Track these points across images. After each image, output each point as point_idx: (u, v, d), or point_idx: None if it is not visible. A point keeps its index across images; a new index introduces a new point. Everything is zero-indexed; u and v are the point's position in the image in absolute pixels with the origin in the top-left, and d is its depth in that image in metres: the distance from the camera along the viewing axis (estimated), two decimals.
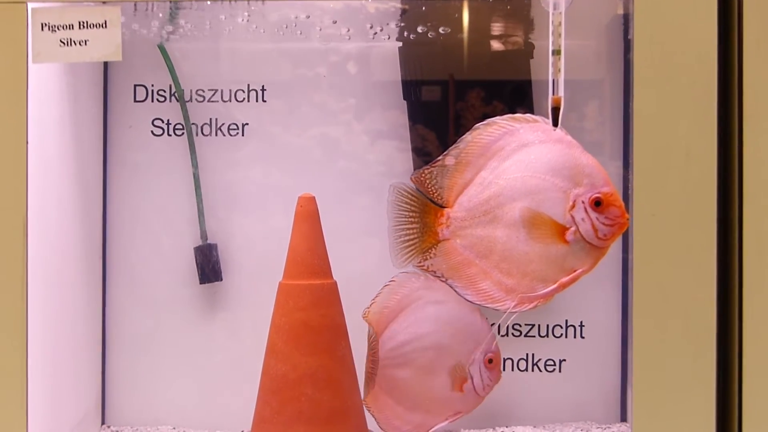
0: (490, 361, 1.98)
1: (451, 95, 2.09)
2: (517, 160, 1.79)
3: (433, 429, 1.99)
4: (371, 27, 2.11)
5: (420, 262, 1.82)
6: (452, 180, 1.82)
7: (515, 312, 1.80)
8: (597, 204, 1.75)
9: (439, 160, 1.82)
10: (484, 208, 1.79)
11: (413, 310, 1.94)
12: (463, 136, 1.82)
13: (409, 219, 1.82)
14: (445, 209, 1.82)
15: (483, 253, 1.79)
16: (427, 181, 1.82)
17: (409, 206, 1.82)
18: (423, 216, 1.82)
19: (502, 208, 1.78)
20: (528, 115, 1.81)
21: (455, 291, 1.81)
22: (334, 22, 2.10)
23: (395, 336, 1.98)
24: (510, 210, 1.78)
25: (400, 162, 2.12)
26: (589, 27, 2.11)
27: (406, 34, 2.09)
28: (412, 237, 1.82)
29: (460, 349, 1.98)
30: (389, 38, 2.11)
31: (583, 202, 1.75)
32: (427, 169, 1.83)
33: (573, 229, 1.76)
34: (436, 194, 1.82)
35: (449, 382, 1.98)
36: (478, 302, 1.80)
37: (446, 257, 1.81)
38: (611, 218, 1.75)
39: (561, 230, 1.76)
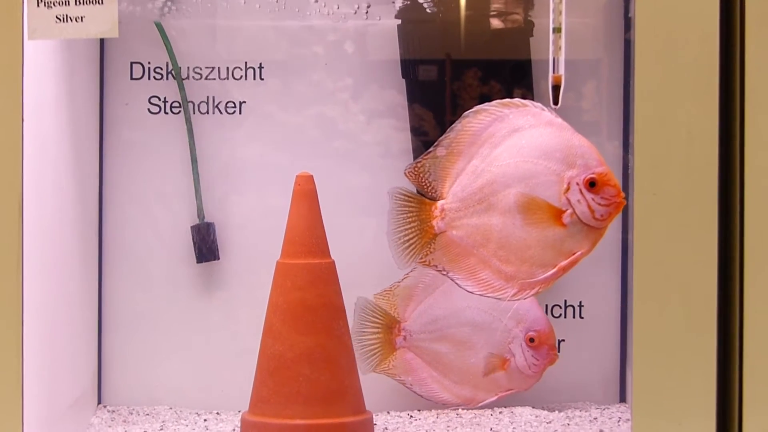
0: (531, 340, 1.99)
1: (450, 74, 2.09)
2: (509, 146, 1.78)
3: (480, 404, 2.01)
4: (368, 5, 2.10)
5: (421, 259, 1.81)
6: (444, 171, 1.81)
7: (517, 300, 1.80)
8: (592, 185, 1.74)
9: (430, 152, 1.81)
10: (478, 196, 1.79)
11: (450, 285, 1.95)
12: (452, 125, 1.81)
13: (407, 219, 1.81)
14: (438, 201, 1.81)
15: (480, 242, 1.79)
16: (421, 175, 1.81)
17: (405, 207, 1.81)
18: (419, 213, 1.81)
19: (496, 195, 1.77)
20: (517, 100, 1.80)
21: (456, 284, 1.81)
22: None
23: (430, 310, 2.01)
24: (504, 197, 1.77)
25: (396, 141, 2.12)
26: (588, 5, 2.10)
27: (404, 9, 2.08)
28: (410, 236, 1.81)
29: (496, 326, 1.99)
30: (380, 18, 2.10)
31: (577, 184, 1.75)
32: (420, 162, 1.82)
33: (569, 211, 1.75)
34: (430, 187, 1.81)
35: (490, 359, 1.99)
36: (479, 293, 1.79)
37: (445, 250, 1.81)
38: (607, 198, 1.75)
39: (557, 213, 1.75)
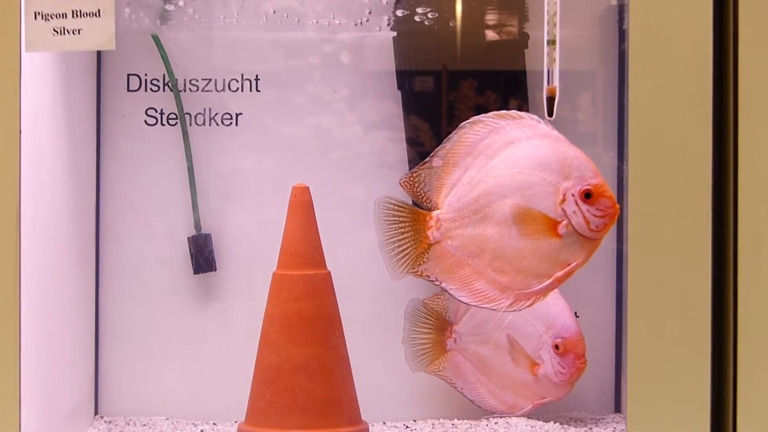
0: (557, 347, 1.99)
1: (446, 85, 2.09)
2: (505, 157, 1.79)
3: (520, 412, 2.01)
4: (366, 18, 2.11)
5: (414, 269, 1.82)
6: (440, 181, 1.82)
7: (512, 311, 1.80)
8: (587, 196, 1.75)
9: (426, 162, 1.82)
10: (473, 207, 1.79)
11: None
12: (449, 136, 1.82)
13: (400, 230, 1.81)
14: (434, 211, 1.82)
15: (475, 253, 1.79)
16: (416, 185, 1.82)
17: (397, 217, 1.82)
18: (413, 223, 1.81)
19: (491, 206, 1.78)
20: (513, 112, 1.81)
21: (450, 294, 1.81)
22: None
23: (477, 313, 2.01)
24: (500, 207, 1.78)
25: (393, 152, 2.12)
26: (583, 17, 2.11)
27: (400, 21, 2.09)
28: (404, 246, 1.81)
29: (529, 330, 1.99)
30: (381, 30, 2.11)
31: (573, 195, 1.75)
32: (415, 172, 1.83)
33: (565, 222, 1.76)
34: (425, 197, 1.82)
35: (524, 364, 1.99)
36: (473, 303, 1.80)
37: (438, 260, 1.81)
38: (602, 209, 1.75)
39: (553, 224, 1.76)
